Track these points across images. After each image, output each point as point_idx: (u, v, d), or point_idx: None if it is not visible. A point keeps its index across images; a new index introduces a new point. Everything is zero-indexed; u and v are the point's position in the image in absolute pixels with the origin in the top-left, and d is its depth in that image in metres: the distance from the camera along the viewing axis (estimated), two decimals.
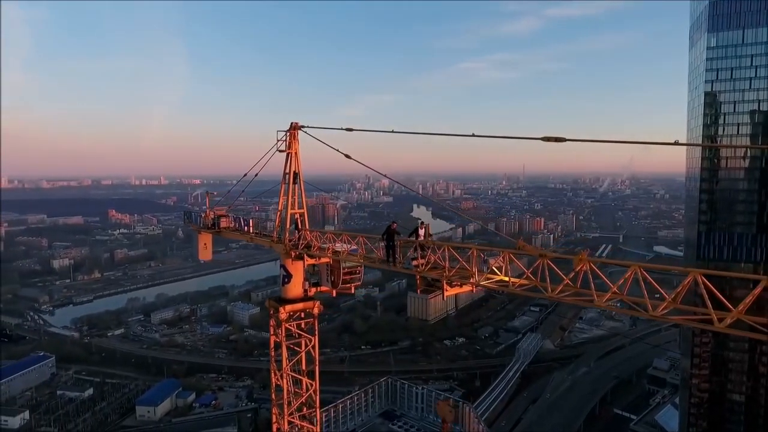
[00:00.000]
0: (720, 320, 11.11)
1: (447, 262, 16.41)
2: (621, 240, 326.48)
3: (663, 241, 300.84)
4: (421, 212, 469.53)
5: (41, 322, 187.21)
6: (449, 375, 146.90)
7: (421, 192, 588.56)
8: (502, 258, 14.99)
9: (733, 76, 72.41)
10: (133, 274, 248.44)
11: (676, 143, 11.88)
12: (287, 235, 22.85)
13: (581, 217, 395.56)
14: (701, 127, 72.99)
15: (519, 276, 14.63)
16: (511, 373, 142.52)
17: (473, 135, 15.32)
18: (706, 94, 72.81)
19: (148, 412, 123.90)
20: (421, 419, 33.30)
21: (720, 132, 73.53)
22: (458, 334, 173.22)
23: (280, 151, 22.90)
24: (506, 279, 14.82)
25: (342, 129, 20.64)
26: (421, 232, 17.51)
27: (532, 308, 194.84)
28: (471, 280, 15.70)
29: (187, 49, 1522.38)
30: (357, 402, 32.30)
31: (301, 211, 23.32)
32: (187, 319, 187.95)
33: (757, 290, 10.80)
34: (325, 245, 21.14)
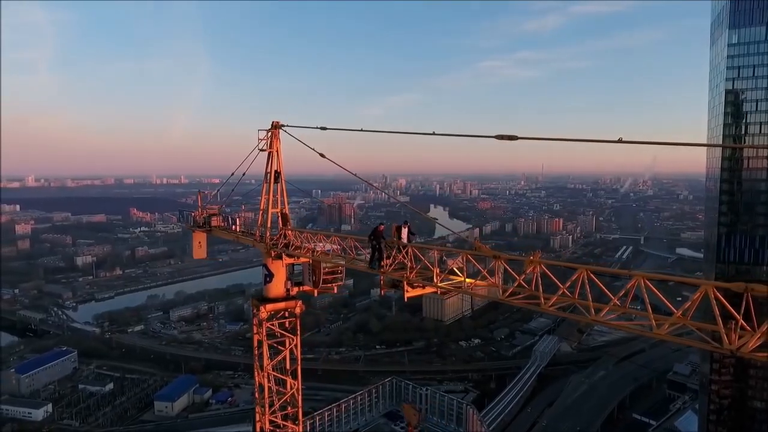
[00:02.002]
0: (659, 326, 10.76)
1: (410, 263, 16.35)
2: (642, 242, 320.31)
3: (686, 243, 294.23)
4: (438, 212, 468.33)
5: (64, 317, 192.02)
6: (464, 376, 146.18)
7: (438, 191, 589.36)
8: (461, 259, 15.02)
9: (756, 74, 69.98)
10: (153, 271, 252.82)
11: (620, 141, 11.63)
12: (268, 234, 22.90)
13: (601, 218, 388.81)
14: (722, 126, 71.02)
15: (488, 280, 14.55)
16: (527, 376, 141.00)
17: (434, 134, 15.69)
18: (727, 92, 70.59)
19: (166, 407, 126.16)
20: (425, 420, 33.20)
21: (742, 131, 71.36)
22: (474, 335, 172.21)
23: (261, 150, 23.02)
24: (465, 281, 15.02)
25: (317, 128, 20.90)
26: (404, 231, 17.37)
27: None
28: (433, 281, 15.74)
29: (208, 49, 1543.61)
30: (361, 402, 32.43)
31: (283, 209, 23.34)
32: (204, 317, 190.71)
33: (697, 296, 10.40)
34: (304, 245, 21.18)
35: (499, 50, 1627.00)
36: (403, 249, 16.66)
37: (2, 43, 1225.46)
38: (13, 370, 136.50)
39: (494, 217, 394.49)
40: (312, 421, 31.33)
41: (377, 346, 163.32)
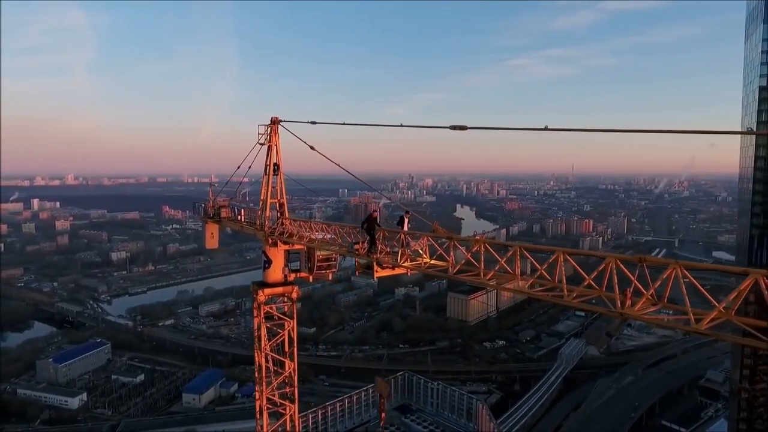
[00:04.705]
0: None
1: (380, 245, 17.63)
2: (676, 244, 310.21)
3: (723, 246, 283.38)
4: (464, 212, 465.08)
5: (100, 310, 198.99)
6: (488, 377, 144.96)
7: (465, 191, 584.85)
8: (423, 241, 16.30)
9: None
10: (184, 267, 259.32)
11: (545, 128, 11.96)
12: (267, 222, 23.85)
13: (634, 220, 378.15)
14: (755, 124, 68.09)
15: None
16: (552, 378, 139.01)
17: (401, 125, 16.37)
18: (761, 88, 67.35)
19: (194, 399, 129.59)
20: (436, 414, 33.46)
21: None
22: (498, 337, 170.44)
23: (261, 144, 23.94)
24: (428, 261, 16.55)
25: (309, 122, 21.64)
26: (405, 222, 18.20)
27: (577, 313, 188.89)
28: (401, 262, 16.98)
29: (235, 49, 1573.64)
30: (373, 394, 33.13)
31: (282, 200, 24.26)
32: (232, 312, 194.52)
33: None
34: (300, 233, 22.06)
35: (527, 48, 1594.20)
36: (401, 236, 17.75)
37: (45, 47, 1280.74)
38: (51, 359, 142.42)
39: (522, 217, 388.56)
40: (324, 410, 31.97)
41: (400, 345, 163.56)
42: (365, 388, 34.63)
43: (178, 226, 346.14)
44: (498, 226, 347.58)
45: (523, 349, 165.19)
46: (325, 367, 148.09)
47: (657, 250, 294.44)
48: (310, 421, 30.86)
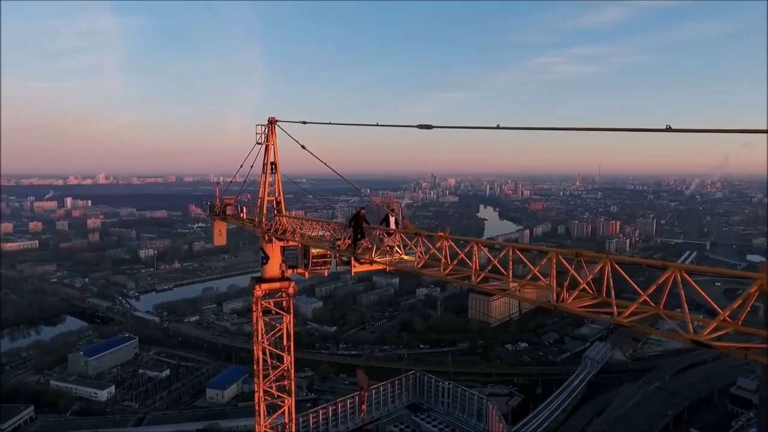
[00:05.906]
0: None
1: (362, 242, 18.62)
2: (708, 247, 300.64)
3: (758, 250, 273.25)
4: (488, 212, 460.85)
5: (128, 306, 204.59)
6: (509, 380, 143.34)
7: (488, 192, 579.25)
8: (397, 237, 17.73)
9: None
10: (209, 265, 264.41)
11: (498, 127, 12.06)
12: (264, 219, 24.16)
13: (663, 222, 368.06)
14: None
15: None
16: (576, 382, 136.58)
17: (377, 125, 17.04)
18: None
19: (217, 394, 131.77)
20: (446, 414, 33.37)
21: None
22: (521, 339, 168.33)
23: (259, 143, 24.27)
24: (402, 257, 17.65)
25: (300, 122, 21.97)
26: (391, 220, 18.64)
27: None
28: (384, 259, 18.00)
29: (264, 50, 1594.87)
30: (384, 392, 33.40)
31: (279, 198, 24.54)
32: None
33: (544, 261, 11.53)
34: (295, 230, 22.55)
35: (553, 46, 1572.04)
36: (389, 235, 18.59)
37: (74, 51, 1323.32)
38: (82, 353, 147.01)
39: (546, 218, 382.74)
40: (335, 407, 32.25)
41: (421, 346, 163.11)
42: (375, 386, 34.73)
43: (203, 225, 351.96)
44: (521, 227, 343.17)
45: (546, 351, 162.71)
46: (346, 366, 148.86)
47: (687, 252, 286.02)
48: (321, 418, 31.14)
